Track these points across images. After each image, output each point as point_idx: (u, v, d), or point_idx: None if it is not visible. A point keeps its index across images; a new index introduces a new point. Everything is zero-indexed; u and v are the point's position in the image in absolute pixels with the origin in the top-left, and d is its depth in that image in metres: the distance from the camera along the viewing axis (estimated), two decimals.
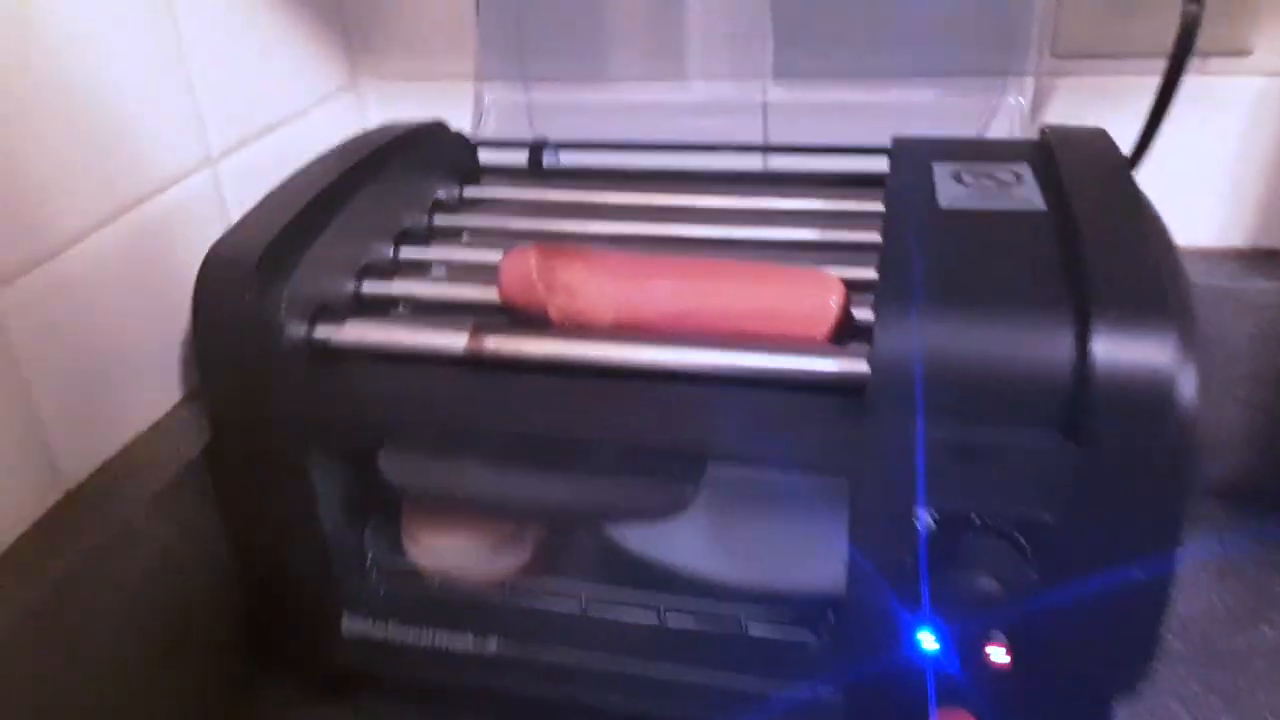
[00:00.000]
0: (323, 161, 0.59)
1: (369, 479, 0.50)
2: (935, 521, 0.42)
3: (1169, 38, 0.54)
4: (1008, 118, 0.64)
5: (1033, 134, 0.63)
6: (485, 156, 0.69)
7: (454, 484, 0.49)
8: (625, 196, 0.63)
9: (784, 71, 0.69)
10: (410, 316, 0.54)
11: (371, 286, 0.54)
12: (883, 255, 0.45)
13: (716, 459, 0.45)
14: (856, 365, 0.43)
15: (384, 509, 0.55)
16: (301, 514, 0.51)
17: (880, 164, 0.62)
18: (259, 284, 0.47)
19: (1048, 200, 0.47)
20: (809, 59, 0.69)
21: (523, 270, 0.48)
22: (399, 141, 0.62)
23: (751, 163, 0.69)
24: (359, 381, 0.49)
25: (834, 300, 0.45)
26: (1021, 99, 0.64)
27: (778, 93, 0.69)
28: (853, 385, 0.43)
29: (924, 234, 0.45)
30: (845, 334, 0.46)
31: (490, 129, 0.72)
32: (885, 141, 0.61)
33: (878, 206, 0.57)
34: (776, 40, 0.68)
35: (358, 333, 0.50)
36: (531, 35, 0.72)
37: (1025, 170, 0.50)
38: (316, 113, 0.70)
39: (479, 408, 0.47)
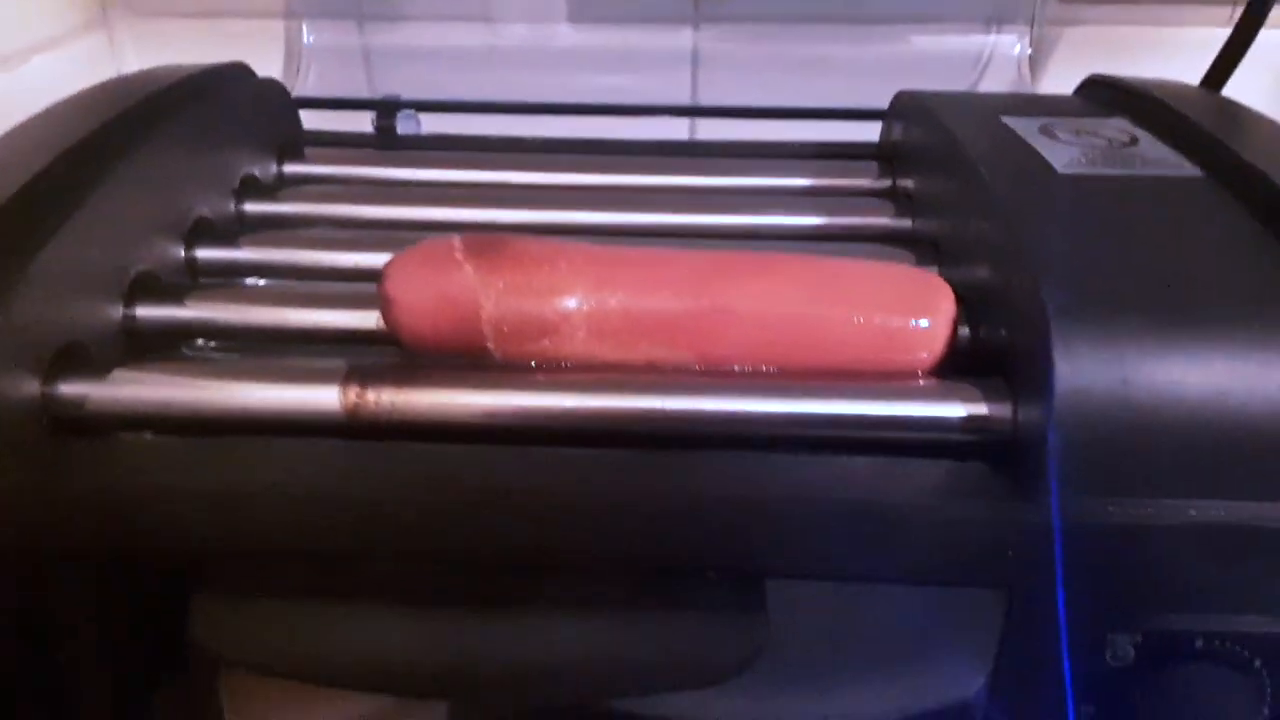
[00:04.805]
0: (54, 117, 0.37)
1: (167, 636, 0.29)
2: (1135, 648, 0.27)
3: None
4: (1003, 71, 0.51)
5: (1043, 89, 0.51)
6: (312, 120, 0.48)
7: (321, 654, 0.29)
8: (525, 175, 0.45)
9: (710, 14, 0.53)
10: (225, 359, 0.33)
11: (153, 310, 0.33)
12: (1014, 241, 0.29)
13: (791, 577, 0.28)
14: (1011, 411, 0.27)
15: (191, 677, 0.34)
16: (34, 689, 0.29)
17: (871, 131, 0.47)
18: None
19: (1196, 163, 0.33)
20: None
21: (441, 272, 0.29)
22: (183, 90, 0.41)
23: (675, 131, 0.53)
24: (144, 476, 0.28)
25: (945, 311, 0.29)
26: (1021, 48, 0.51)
27: (708, 40, 0.53)
28: (1001, 442, 0.27)
29: (1062, 213, 0.30)
30: (947, 364, 0.30)
31: (312, 83, 0.51)
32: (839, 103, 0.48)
33: (908, 183, 0.42)
34: None
35: (137, 387, 0.29)
36: None
37: (1130, 126, 0.37)
38: (42, 60, 0.50)
39: (364, 518, 0.27)
